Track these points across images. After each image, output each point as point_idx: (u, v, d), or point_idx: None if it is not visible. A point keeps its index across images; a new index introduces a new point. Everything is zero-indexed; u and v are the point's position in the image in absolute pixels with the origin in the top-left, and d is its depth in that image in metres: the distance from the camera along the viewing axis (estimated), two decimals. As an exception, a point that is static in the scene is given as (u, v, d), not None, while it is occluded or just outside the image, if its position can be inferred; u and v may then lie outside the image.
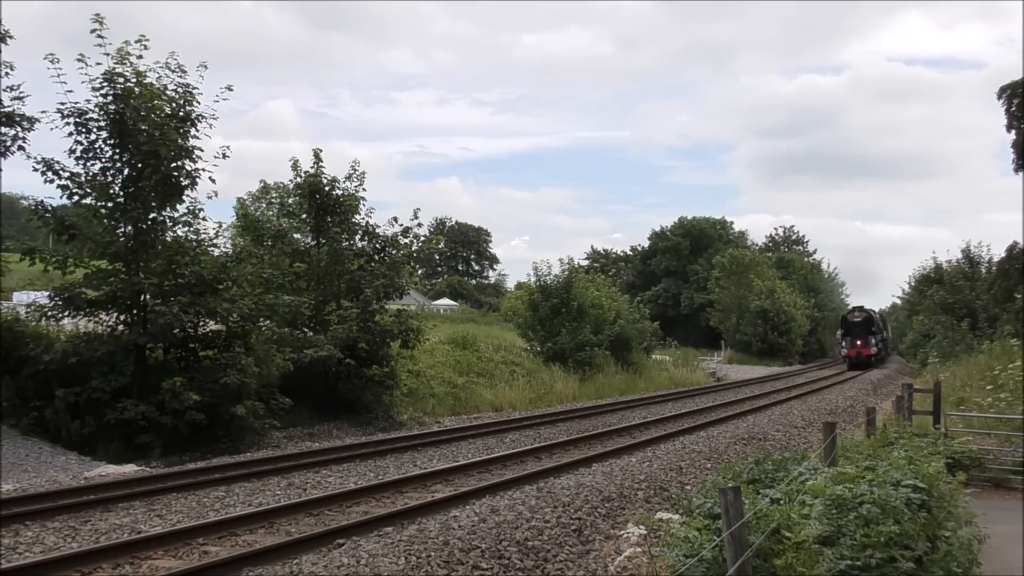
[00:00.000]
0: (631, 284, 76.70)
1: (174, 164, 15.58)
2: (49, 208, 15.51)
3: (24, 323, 15.68)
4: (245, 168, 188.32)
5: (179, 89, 15.78)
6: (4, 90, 15.19)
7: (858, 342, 49.56)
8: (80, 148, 15.24)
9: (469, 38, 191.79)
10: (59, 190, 15.21)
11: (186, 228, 16.41)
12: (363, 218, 21.16)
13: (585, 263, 70.40)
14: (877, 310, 57.81)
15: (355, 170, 21.05)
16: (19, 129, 15.26)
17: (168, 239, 16.13)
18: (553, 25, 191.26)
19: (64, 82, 15.04)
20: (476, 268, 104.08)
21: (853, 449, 8.30)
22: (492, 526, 8.56)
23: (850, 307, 56.95)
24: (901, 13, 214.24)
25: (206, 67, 16.05)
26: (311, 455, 14.18)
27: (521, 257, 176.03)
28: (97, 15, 15.08)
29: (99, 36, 15.05)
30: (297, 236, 21.62)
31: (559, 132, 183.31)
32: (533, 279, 33.18)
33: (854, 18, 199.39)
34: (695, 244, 78.77)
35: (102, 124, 15.18)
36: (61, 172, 15.13)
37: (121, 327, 15.51)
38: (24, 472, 12.52)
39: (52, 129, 15.14)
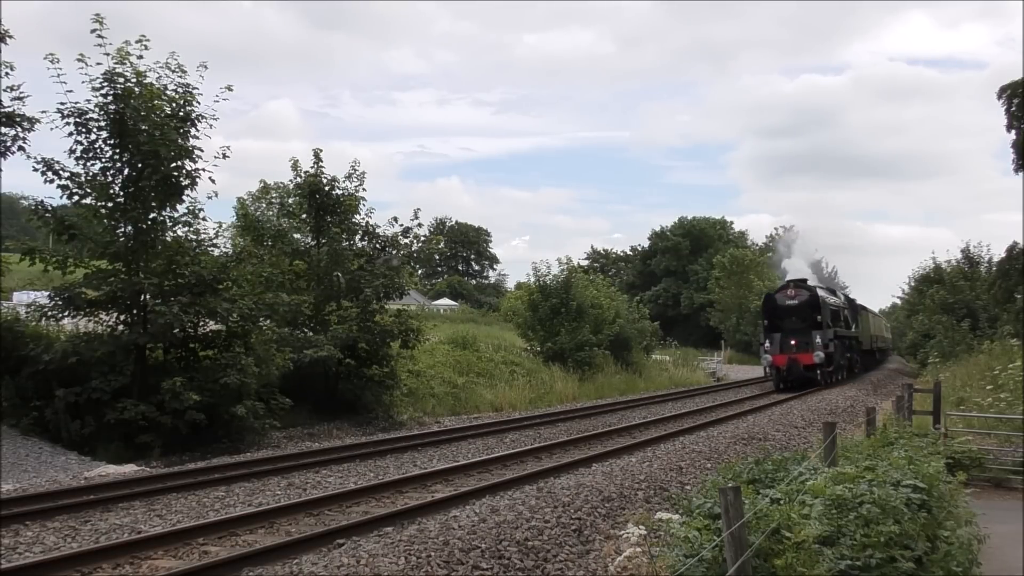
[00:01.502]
0: (631, 284, 76.79)
1: (174, 164, 15.59)
2: (49, 208, 15.51)
3: (24, 323, 15.68)
4: (245, 168, 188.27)
5: (179, 89, 15.80)
6: (4, 90, 15.21)
7: (792, 342, 29.67)
8: (80, 148, 15.25)
9: (470, 38, 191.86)
10: (59, 190, 15.26)
11: (186, 228, 16.45)
12: (363, 218, 21.21)
13: (585, 263, 70.45)
14: (840, 292, 38.60)
15: (355, 170, 21.11)
16: (19, 129, 15.25)
17: (168, 239, 16.14)
18: (554, 25, 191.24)
19: (64, 82, 15.08)
20: (476, 268, 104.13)
21: (853, 449, 8.30)
22: (492, 526, 8.56)
23: (783, 281, 34.35)
24: (903, 12, 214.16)
25: (206, 67, 16.09)
26: (311, 455, 14.18)
27: (521, 257, 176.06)
28: (97, 15, 15.11)
29: (99, 36, 15.08)
30: (297, 236, 21.64)
31: (560, 132, 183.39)
32: (533, 279, 33.25)
33: (856, 18, 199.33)
34: (695, 244, 78.82)
35: (102, 124, 15.18)
36: (61, 172, 15.14)
37: (121, 327, 15.51)
38: (24, 472, 12.52)
39: (52, 129, 15.18)
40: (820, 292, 31.94)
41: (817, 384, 29.61)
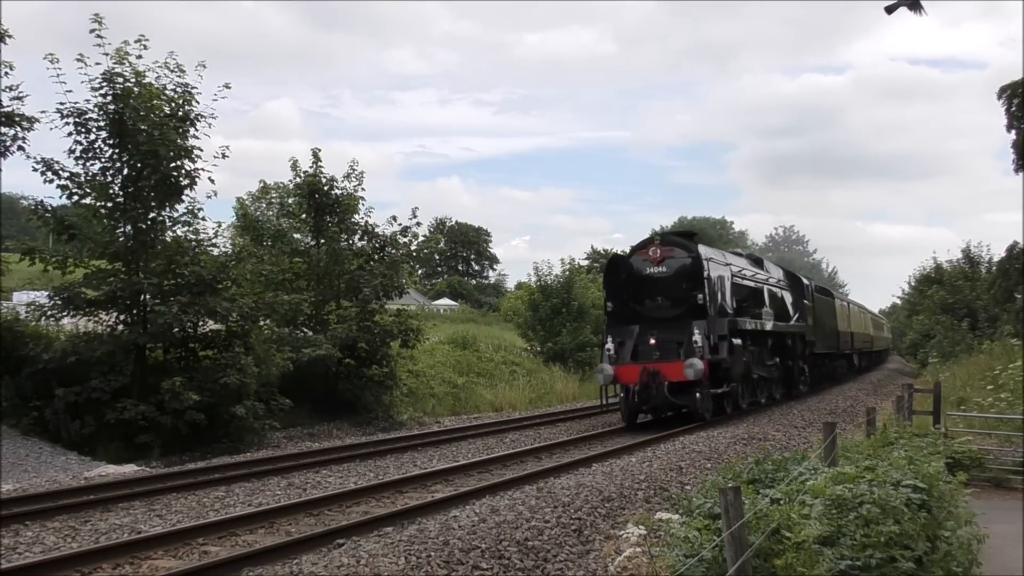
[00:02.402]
0: (631, 284, 76.61)
1: (173, 164, 15.60)
2: (49, 208, 15.53)
3: (24, 323, 15.69)
4: (245, 168, 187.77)
5: (178, 89, 15.81)
6: (4, 90, 15.22)
7: (651, 342, 17.05)
8: (80, 148, 15.26)
9: (471, 38, 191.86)
10: (59, 190, 15.27)
11: (185, 228, 16.47)
12: (362, 217, 21.23)
13: (586, 263, 70.35)
14: (774, 263, 27.60)
15: (354, 169, 21.12)
16: (19, 129, 15.26)
17: (168, 239, 16.14)
18: (555, 24, 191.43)
19: (64, 82, 15.10)
20: (476, 268, 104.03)
21: (853, 449, 8.30)
22: (492, 526, 8.55)
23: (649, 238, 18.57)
24: (905, 12, 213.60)
25: (204, 66, 16.11)
26: (311, 455, 14.18)
27: (521, 257, 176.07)
28: (96, 15, 15.14)
29: (98, 36, 15.11)
30: (297, 236, 21.66)
31: (561, 132, 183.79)
32: (533, 279, 33.26)
33: (857, 17, 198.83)
34: (695, 244, 78.77)
35: (101, 124, 15.19)
36: (61, 172, 15.15)
37: (121, 327, 15.51)
38: (24, 472, 12.52)
39: (52, 129, 15.21)
40: (708, 253, 18.24)
41: (700, 420, 16.93)
